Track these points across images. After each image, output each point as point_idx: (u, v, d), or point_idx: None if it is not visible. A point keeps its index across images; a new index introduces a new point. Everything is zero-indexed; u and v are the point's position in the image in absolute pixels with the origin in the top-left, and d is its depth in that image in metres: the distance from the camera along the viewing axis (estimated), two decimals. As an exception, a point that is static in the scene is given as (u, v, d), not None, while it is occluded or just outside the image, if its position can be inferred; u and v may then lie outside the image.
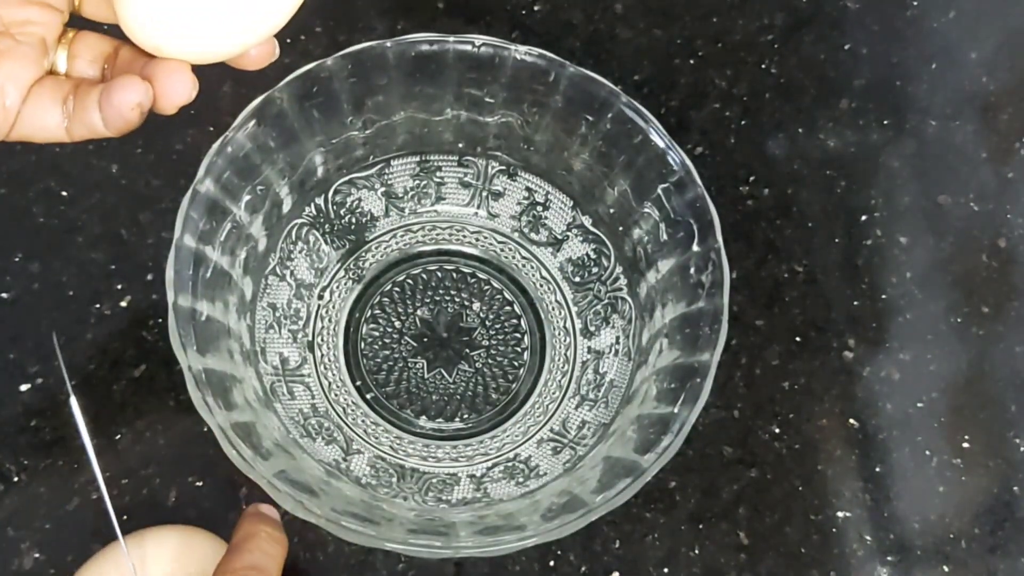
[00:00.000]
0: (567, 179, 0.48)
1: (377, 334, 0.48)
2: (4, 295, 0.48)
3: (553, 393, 0.47)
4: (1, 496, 0.44)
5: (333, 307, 0.48)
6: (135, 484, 0.45)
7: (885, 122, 0.56)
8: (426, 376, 0.47)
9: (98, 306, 0.48)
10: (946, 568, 0.46)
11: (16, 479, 0.45)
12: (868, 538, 0.47)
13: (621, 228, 0.47)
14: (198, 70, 0.34)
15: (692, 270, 0.42)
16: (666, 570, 0.45)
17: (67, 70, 0.33)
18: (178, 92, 0.32)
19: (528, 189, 0.49)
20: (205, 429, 0.36)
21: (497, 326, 0.48)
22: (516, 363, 0.47)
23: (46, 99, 0.32)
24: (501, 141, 0.47)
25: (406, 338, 0.48)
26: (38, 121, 0.32)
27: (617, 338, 0.47)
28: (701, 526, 0.46)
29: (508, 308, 0.48)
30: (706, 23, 0.57)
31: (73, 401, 0.32)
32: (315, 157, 0.45)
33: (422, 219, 0.50)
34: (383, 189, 0.49)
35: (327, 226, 0.48)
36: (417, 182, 0.49)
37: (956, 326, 0.51)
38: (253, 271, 0.45)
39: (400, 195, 0.49)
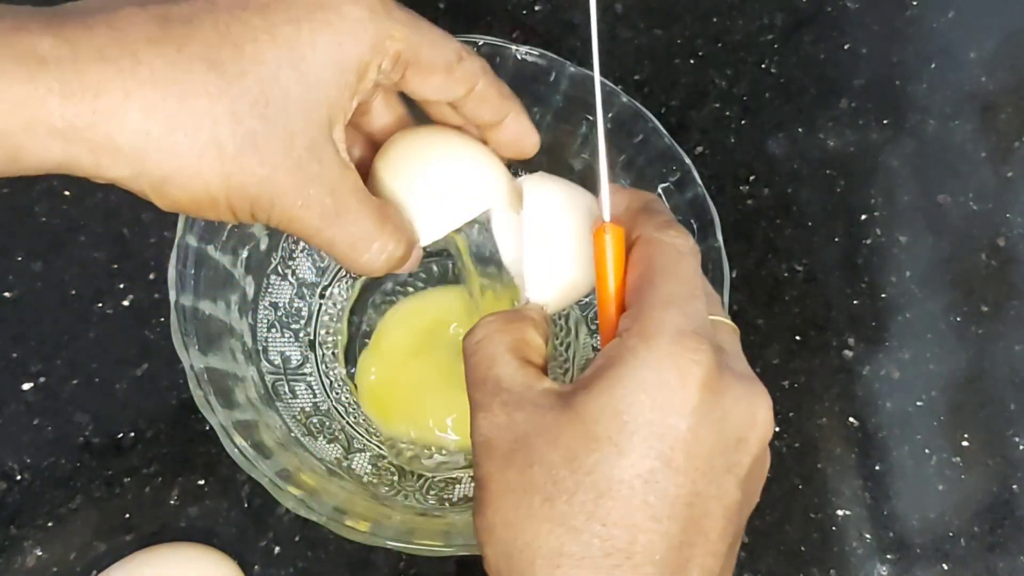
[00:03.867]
0: (568, 178, 0.48)
1: (378, 333, 0.48)
2: (7, 294, 0.48)
3: (554, 392, 0.47)
4: (4, 494, 0.45)
5: (334, 306, 0.48)
6: (137, 483, 0.45)
7: (885, 122, 0.56)
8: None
9: (100, 305, 0.48)
10: (945, 566, 0.47)
11: (19, 477, 0.45)
12: (868, 536, 0.47)
13: (621, 227, 0.47)
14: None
15: (692, 269, 0.42)
16: (666, 568, 0.45)
17: None
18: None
19: (529, 188, 0.49)
20: (207, 428, 0.36)
21: (498, 325, 0.48)
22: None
23: None
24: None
25: (407, 337, 0.48)
26: None
27: (618, 337, 0.47)
28: (701, 524, 0.46)
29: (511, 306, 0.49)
30: (706, 23, 0.57)
31: None
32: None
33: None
34: (384, 188, 0.49)
35: (328, 225, 0.48)
36: (418, 181, 0.49)
37: (955, 325, 0.51)
38: (255, 270, 0.45)
39: (401, 194, 0.49)
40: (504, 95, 0.34)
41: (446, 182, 0.35)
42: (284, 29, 0.28)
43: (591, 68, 0.35)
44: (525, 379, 0.29)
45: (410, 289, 0.49)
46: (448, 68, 0.32)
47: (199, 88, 0.27)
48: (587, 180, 0.47)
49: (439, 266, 0.49)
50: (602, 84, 0.44)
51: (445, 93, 0.33)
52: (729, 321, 0.31)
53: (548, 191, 0.35)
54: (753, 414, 0.28)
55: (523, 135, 0.36)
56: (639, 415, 0.26)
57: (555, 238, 0.33)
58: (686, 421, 0.26)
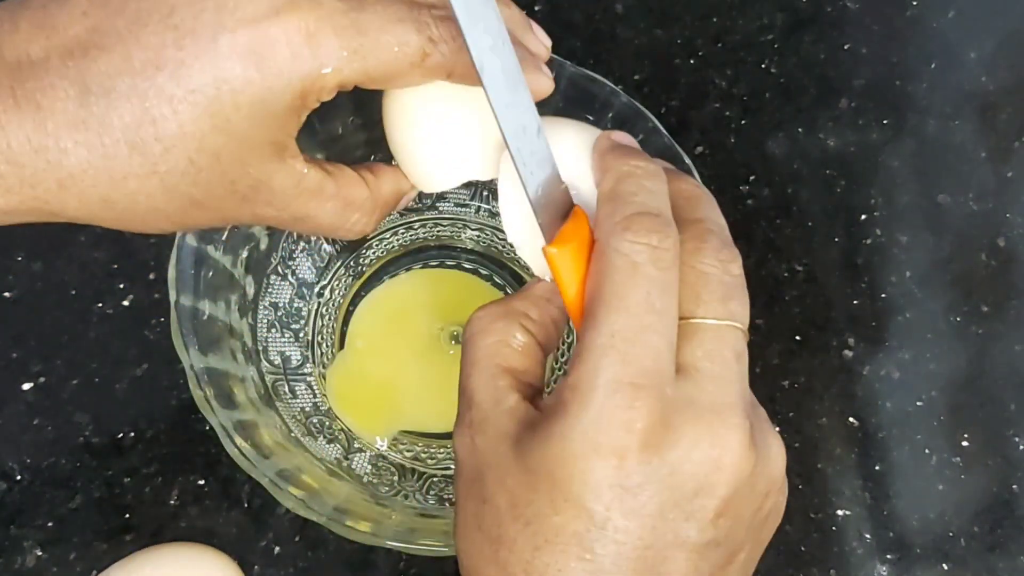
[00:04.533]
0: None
1: (378, 333, 0.48)
2: (7, 294, 0.48)
3: (554, 392, 0.47)
4: (4, 494, 0.45)
5: (333, 304, 0.48)
6: (137, 483, 0.45)
7: (885, 122, 0.56)
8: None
9: (100, 305, 0.48)
10: (945, 566, 0.47)
11: (19, 477, 0.45)
12: (868, 536, 0.47)
13: (621, 227, 0.47)
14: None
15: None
16: (666, 568, 0.45)
17: None
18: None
19: (529, 188, 0.49)
20: (207, 428, 0.36)
21: (498, 325, 0.48)
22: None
23: None
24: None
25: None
26: None
27: (617, 337, 0.47)
28: (701, 524, 0.46)
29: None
30: (706, 23, 0.57)
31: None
32: (316, 156, 0.45)
33: (423, 216, 0.50)
34: (384, 188, 0.49)
35: (328, 225, 0.48)
36: (418, 181, 0.49)
37: (955, 325, 0.51)
38: (255, 270, 0.45)
39: (401, 194, 0.49)
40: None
41: (458, 137, 0.33)
42: (203, 94, 0.27)
43: (590, 67, 0.34)
44: (494, 394, 0.28)
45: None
46: (410, 69, 0.29)
47: (127, 171, 0.27)
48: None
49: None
50: (602, 84, 0.44)
51: (415, 84, 0.31)
52: (727, 321, 0.27)
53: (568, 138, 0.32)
54: (716, 458, 0.25)
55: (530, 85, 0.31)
56: (570, 477, 0.25)
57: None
58: (622, 485, 0.25)
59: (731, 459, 0.26)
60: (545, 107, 0.45)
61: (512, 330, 0.29)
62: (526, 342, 0.29)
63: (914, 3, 0.59)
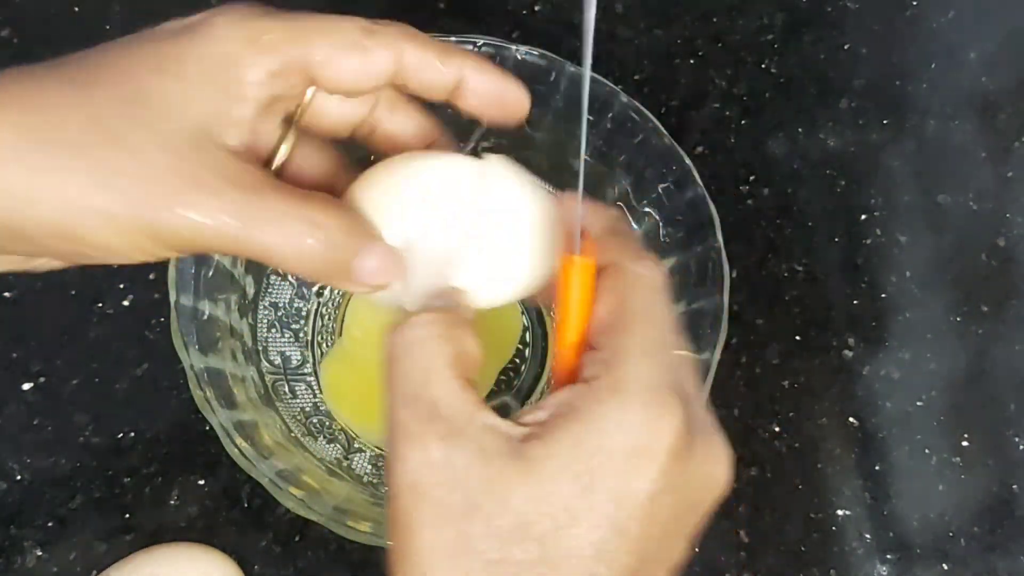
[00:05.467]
0: (568, 178, 0.48)
1: (378, 333, 0.48)
2: (7, 294, 0.48)
3: (554, 392, 0.47)
4: (4, 494, 0.45)
5: (332, 304, 0.48)
6: (137, 483, 0.45)
7: (885, 122, 0.56)
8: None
9: (100, 305, 0.48)
10: (945, 566, 0.47)
11: (19, 477, 0.45)
12: (868, 536, 0.47)
13: (621, 227, 0.47)
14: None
15: (692, 269, 0.42)
16: (666, 568, 0.46)
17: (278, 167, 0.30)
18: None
19: (529, 188, 0.49)
20: (207, 428, 0.36)
21: (498, 325, 0.48)
22: (517, 359, 0.48)
23: None
24: (502, 140, 0.47)
25: (407, 337, 0.48)
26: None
27: (617, 337, 0.47)
28: (701, 524, 0.46)
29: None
30: (706, 23, 0.57)
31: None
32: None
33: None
34: (384, 188, 0.49)
35: (328, 225, 0.48)
36: (418, 181, 0.49)
37: (955, 325, 0.51)
38: (254, 270, 0.45)
39: (401, 194, 0.49)
40: (448, 52, 0.29)
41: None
42: (124, 107, 0.25)
43: (591, 69, 0.34)
44: (465, 407, 0.25)
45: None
46: (354, 46, 0.27)
47: (68, 166, 0.25)
48: (586, 182, 0.47)
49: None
50: (602, 84, 0.44)
51: (367, 75, 0.28)
52: (687, 353, 0.29)
53: (511, 178, 0.32)
54: (715, 477, 0.26)
55: (497, 90, 0.30)
56: (601, 480, 0.24)
57: (513, 232, 0.31)
58: (648, 490, 0.24)
59: (723, 477, 0.27)
60: (547, 107, 0.45)
61: (468, 340, 0.27)
62: (477, 357, 0.27)
63: (914, 3, 0.59)
